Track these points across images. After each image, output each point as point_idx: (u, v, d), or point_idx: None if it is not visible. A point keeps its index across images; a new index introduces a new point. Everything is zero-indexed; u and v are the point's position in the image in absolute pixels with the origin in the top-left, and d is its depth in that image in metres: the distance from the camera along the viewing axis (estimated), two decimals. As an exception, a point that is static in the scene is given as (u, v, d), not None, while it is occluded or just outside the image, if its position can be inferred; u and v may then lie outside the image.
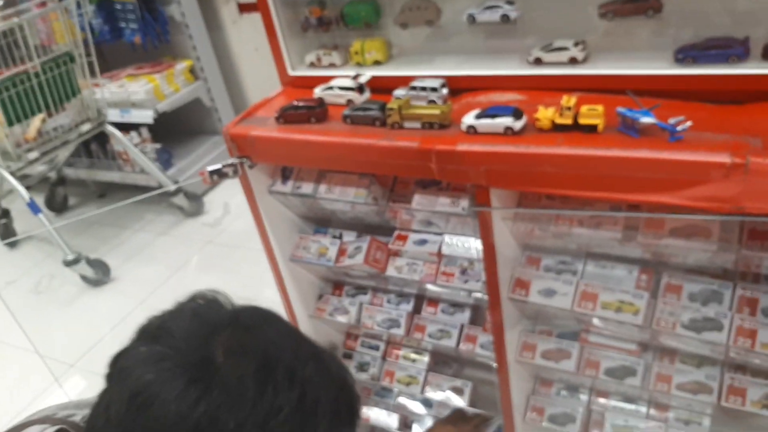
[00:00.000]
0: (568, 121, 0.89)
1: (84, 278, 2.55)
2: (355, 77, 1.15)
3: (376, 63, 1.20)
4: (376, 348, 1.45)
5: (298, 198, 1.21)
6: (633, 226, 0.95)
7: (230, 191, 3.00)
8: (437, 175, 0.98)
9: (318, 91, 1.17)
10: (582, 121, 0.88)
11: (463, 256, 1.15)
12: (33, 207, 2.50)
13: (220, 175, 1.15)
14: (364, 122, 1.07)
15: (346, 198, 1.16)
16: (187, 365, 0.53)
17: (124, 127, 2.86)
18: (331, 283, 1.41)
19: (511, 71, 1.05)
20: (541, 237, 1.09)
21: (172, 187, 2.84)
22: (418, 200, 1.10)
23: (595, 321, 1.07)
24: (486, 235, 1.00)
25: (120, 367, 0.55)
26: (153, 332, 0.56)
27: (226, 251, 2.71)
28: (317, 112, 1.11)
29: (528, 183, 0.92)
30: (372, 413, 1.50)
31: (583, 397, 1.25)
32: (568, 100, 0.89)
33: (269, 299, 1.33)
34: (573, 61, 1.00)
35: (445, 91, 1.07)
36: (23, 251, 2.96)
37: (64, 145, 2.67)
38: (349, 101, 1.15)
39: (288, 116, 1.12)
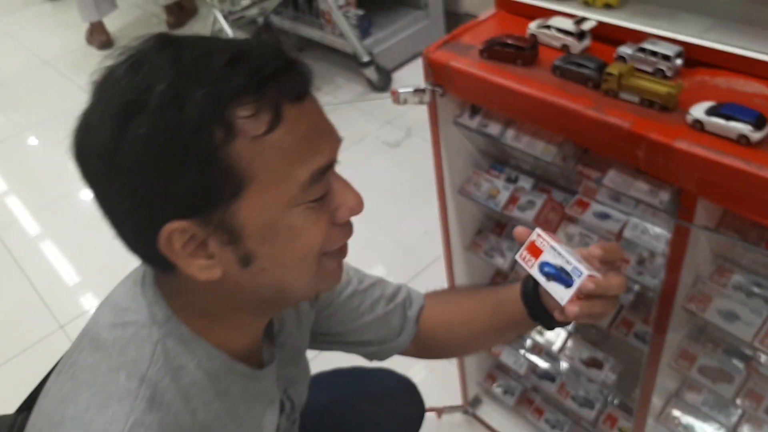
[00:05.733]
0: (825, 149, 0.73)
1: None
2: (579, 21, 1.01)
3: (607, 6, 1.05)
4: (524, 293, 1.41)
5: (481, 136, 1.15)
6: None
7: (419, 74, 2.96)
8: (642, 164, 0.87)
9: (533, 27, 1.06)
10: (843, 155, 0.72)
11: (646, 246, 1.04)
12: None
13: (409, 97, 1.11)
14: (574, 79, 0.95)
15: (532, 151, 1.07)
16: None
17: (335, -13, 2.85)
18: (493, 221, 1.37)
19: (769, 57, 0.87)
20: (741, 254, 0.95)
21: (365, 59, 2.84)
22: (613, 177, 0.99)
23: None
24: (677, 246, 0.89)
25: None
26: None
27: (402, 135, 2.72)
28: (526, 54, 1.00)
29: (747, 207, 0.78)
30: (503, 352, 1.50)
31: (732, 419, 1.15)
32: (834, 125, 0.72)
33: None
34: None
35: (679, 62, 0.92)
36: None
37: (275, -4, 2.75)
38: (565, 47, 1.02)
39: (493, 52, 1.03)
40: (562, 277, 0.73)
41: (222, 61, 0.56)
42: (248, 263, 0.62)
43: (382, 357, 1.04)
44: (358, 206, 0.66)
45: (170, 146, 0.54)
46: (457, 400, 1.65)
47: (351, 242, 0.70)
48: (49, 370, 0.72)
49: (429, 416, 1.43)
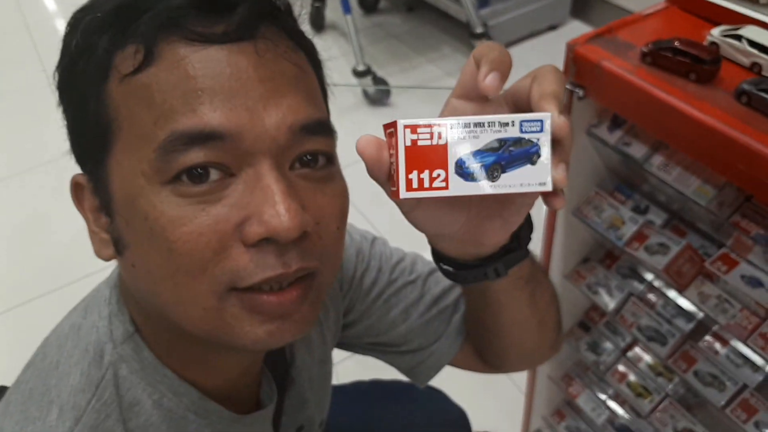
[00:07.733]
0: None
1: (364, 92, 2.54)
2: (783, 37, 0.79)
3: (821, 21, 0.82)
4: (622, 337, 1.21)
5: (619, 155, 0.95)
6: None
7: (534, 54, 2.71)
8: (844, 242, 0.66)
9: (715, 34, 0.84)
10: None
11: (804, 331, 0.83)
12: (345, 5, 2.47)
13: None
14: (767, 112, 0.74)
15: (683, 188, 0.87)
16: None
17: (459, -53, 2.63)
18: (604, 250, 1.17)
19: None
20: None
21: (478, 30, 2.62)
22: (785, 242, 0.78)
23: None
24: None
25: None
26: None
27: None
28: (705, 68, 0.79)
29: None
30: (582, 395, 1.32)
31: None
32: None
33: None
34: None
35: None
36: (323, 39, 3.02)
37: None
38: (756, 66, 0.81)
39: (661, 58, 0.82)
40: (507, 155, 0.41)
41: None
42: (121, 250, 0.48)
43: (424, 375, 0.77)
44: (275, 221, 0.41)
45: (62, 76, 0.48)
46: (516, 430, 1.48)
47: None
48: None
49: (483, 443, 1.28)
